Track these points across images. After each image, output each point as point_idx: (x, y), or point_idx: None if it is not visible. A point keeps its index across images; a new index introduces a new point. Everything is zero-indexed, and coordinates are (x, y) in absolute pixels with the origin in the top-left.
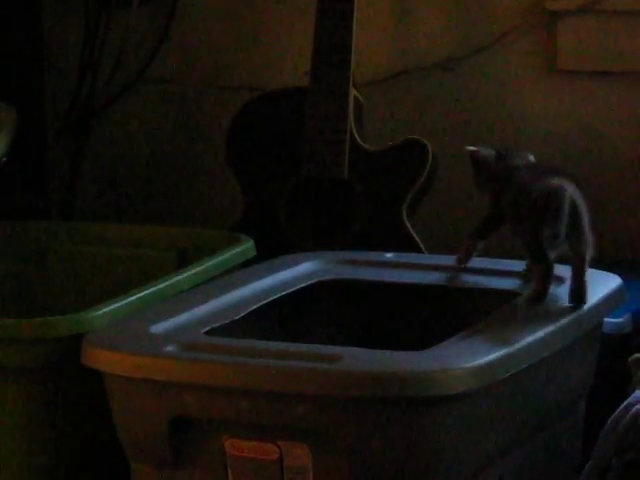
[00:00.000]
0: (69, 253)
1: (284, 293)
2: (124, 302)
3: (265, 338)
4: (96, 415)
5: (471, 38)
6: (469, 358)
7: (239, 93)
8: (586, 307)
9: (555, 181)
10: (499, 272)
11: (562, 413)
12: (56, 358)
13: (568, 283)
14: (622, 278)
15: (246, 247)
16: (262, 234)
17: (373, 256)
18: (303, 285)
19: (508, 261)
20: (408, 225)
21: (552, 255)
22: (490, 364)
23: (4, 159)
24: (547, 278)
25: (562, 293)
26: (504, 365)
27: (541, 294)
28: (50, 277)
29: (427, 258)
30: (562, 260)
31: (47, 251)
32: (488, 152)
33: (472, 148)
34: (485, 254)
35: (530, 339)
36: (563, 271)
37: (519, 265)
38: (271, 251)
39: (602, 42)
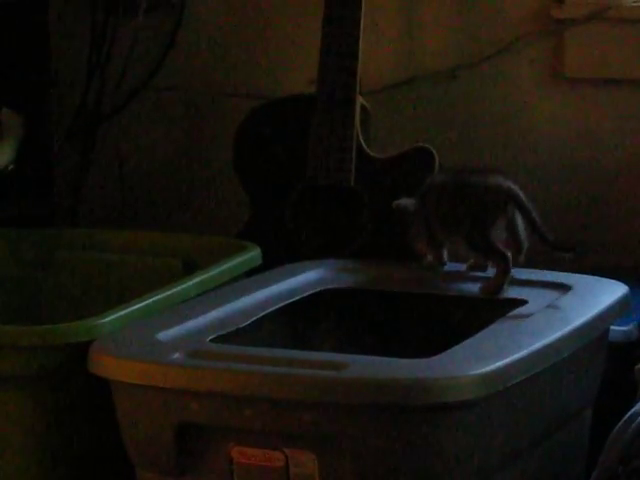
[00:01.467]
0: (75, 260)
1: (290, 301)
2: (130, 309)
3: (271, 346)
4: (102, 422)
5: (478, 46)
6: (475, 366)
7: (245, 100)
8: (592, 315)
9: (499, 179)
10: None
11: (568, 421)
12: (63, 365)
13: (573, 291)
14: (628, 286)
15: (252, 255)
16: (268, 242)
17: (379, 264)
18: (309, 293)
19: (514, 269)
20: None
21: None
22: (496, 372)
23: (11, 166)
24: (507, 271)
25: (568, 301)
26: (510, 373)
27: (499, 287)
28: (56, 284)
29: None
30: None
31: (53, 258)
32: (408, 201)
33: (396, 202)
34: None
35: (536, 347)
36: (568, 279)
37: (524, 273)
38: (277, 259)
39: (609, 50)
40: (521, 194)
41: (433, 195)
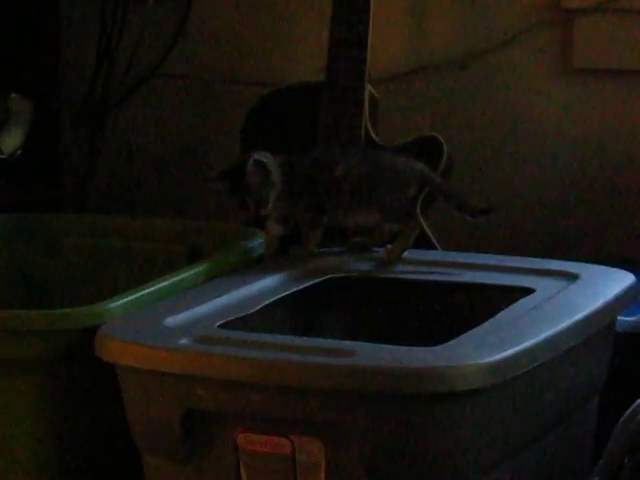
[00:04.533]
0: (83, 246)
1: (298, 288)
2: (138, 295)
3: (278, 332)
4: (109, 408)
5: (487, 35)
6: (482, 354)
7: (254, 88)
8: (600, 304)
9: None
10: (513, 269)
11: (575, 410)
12: (70, 350)
13: (581, 280)
14: (636, 276)
15: (260, 242)
16: None
17: None
18: (317, 280)
19: (522, 258)
20: (422, 222)
21: None
22: (504, 361)
23: (19, 152)
24: (413, 236)
25: (576, 290)
26: (518, 362)
27: (404, 251)
28: (64, 270)
29: (441, 255)
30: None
31: (61, 244)
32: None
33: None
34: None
35: (544, 336)
36: (576, 268)
37: (532, 262)
38: (285, 246)
39: (618, 40)
40: (431, 172)
41: (337, 171)
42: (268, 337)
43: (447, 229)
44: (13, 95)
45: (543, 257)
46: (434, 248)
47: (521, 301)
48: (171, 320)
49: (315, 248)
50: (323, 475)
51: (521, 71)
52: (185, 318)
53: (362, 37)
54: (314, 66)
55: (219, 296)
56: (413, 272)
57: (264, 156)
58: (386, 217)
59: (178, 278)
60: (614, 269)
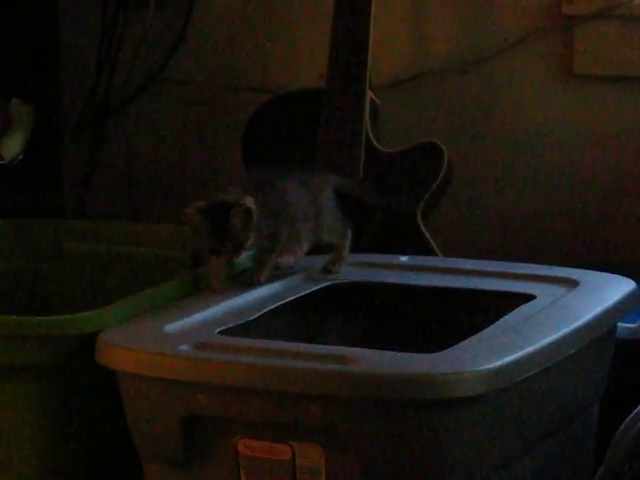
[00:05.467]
0: (83, 252)
1: (299, 295)
2: (138, 301)
3: (279, 339)
4: (109, 414)
5: (487, 41)
6: (483, 361)
7: (255, 94)
8: (600, 311)
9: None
10: (513, 275)
11: (575, 417)
12: (70, 356)
13: (581, 287)
14: (636, 282)
15: None
16: None
17: (388, 259)
18: (317, 287)
19: (522, 264)
20: (423, 228)
21: None
22: (504, 367)
23: (20, 157)
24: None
25: (576, 297)
26: (518, 368)
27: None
28: (64, 275)
29: (441, 261)
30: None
31: (61, 249)
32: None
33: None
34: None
35: (544, 342)
36: (576, 274)
37: (533, 268)
38: None
39: (619, 47)
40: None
41: (299, 195)
42: (268, 343)
43: (448, 235)
44: (14, 100)
45: (545, 263)
46: (435, 254)
47: (522, 307)
48: (171, 326)
49: (264, 280)
50: None
51: (522, 77)
52: (185, 324)
53: (363, 43)
54: (315, 72)
55: (220, 303)
56: (414, 278)
57: (249, 201)
58: (331, 239)
59: (178, 284)
60: (614, 275)
